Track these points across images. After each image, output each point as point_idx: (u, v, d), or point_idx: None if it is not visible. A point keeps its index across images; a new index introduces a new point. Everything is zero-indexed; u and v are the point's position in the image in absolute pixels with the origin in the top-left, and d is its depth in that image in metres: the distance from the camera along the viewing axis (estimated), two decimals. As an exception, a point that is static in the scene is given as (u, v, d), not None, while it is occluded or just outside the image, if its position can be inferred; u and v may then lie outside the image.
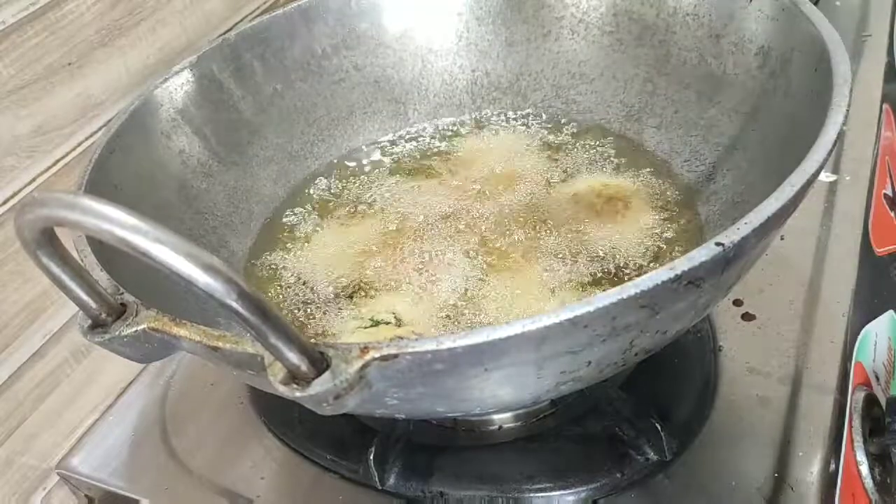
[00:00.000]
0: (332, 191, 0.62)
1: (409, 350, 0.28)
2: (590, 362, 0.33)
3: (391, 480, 0.48)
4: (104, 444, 0.56)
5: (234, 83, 0.59)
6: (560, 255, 0.52)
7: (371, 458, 0.48)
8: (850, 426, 0.48)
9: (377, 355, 0.28)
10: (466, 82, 0.66)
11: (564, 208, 0.56)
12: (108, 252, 0.37)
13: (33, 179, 0.53)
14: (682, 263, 0.29)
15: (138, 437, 0.56)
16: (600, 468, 0.46)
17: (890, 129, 0.74)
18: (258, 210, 0.60)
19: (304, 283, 0.54)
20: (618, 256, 0.51)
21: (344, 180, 0.63)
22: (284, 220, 0.60)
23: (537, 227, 0.55)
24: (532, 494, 0.46)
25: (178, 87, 0.55)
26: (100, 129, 0.57)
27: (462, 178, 0.61)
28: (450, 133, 0.67)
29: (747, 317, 0.54)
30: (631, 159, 0.59)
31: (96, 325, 0.32)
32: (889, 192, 0.68)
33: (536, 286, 0.50)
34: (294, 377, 0.28)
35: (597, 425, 0.49)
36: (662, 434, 0.46)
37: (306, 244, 0.58)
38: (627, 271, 0.50)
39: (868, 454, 0.48)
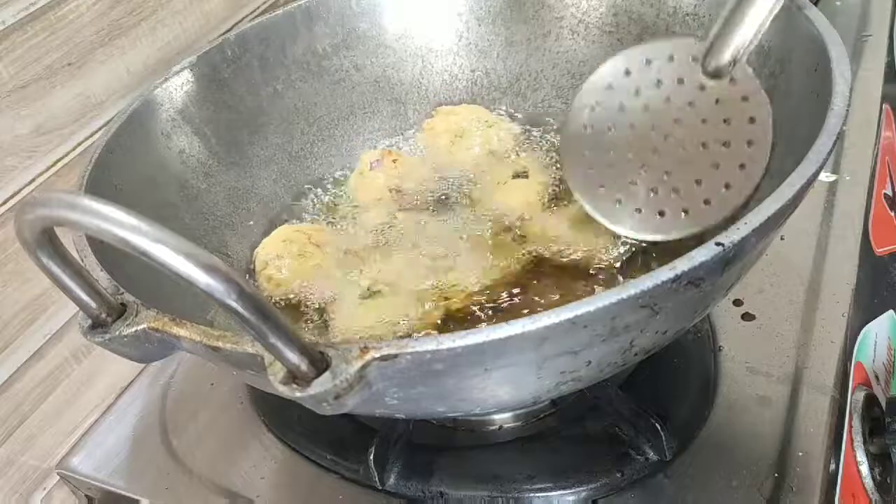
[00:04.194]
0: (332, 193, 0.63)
1: (409, 350, 0.28)
2: (590, 362, 0.33)
3: (391, 480, 0.48)
4: (104, 444, 0.56)
5: (234, 83, 0.59)
6: (559, 254, 0.52)
7: (371, 458, 0.48)
8: (850, 426, 0.48)
9: (377, 355, 0.28)
10: (466, 82, 0.66)
11: (565, 207, 0.56)
12: (108, 252, 0.37)
13: (33, 179, 0.53)
14: (683, 263, 0.29)
15: (138, 437, 0.56)
16: (600, 468, 0.46)
17: (890, 129, 0.74)
18: (258, 210, 0.60)
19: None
20: (617, 255, 0.51)
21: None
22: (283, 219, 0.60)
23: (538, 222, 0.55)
24: (532, 494, 0.46)
25: (178, 87, 0.55)
26: (100, 129, 0.57)
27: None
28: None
29: (747, 317, 0.54)
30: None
31: (96, 325, 0.33)
32: (889, 192, 0.68)
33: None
34: (294, 377, 0.28)
35: (597, 425, 0.49)
36: (662, 434, 0.46)
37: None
38: (628, 270, 0.50)
39: (868, 454, 0.48)
